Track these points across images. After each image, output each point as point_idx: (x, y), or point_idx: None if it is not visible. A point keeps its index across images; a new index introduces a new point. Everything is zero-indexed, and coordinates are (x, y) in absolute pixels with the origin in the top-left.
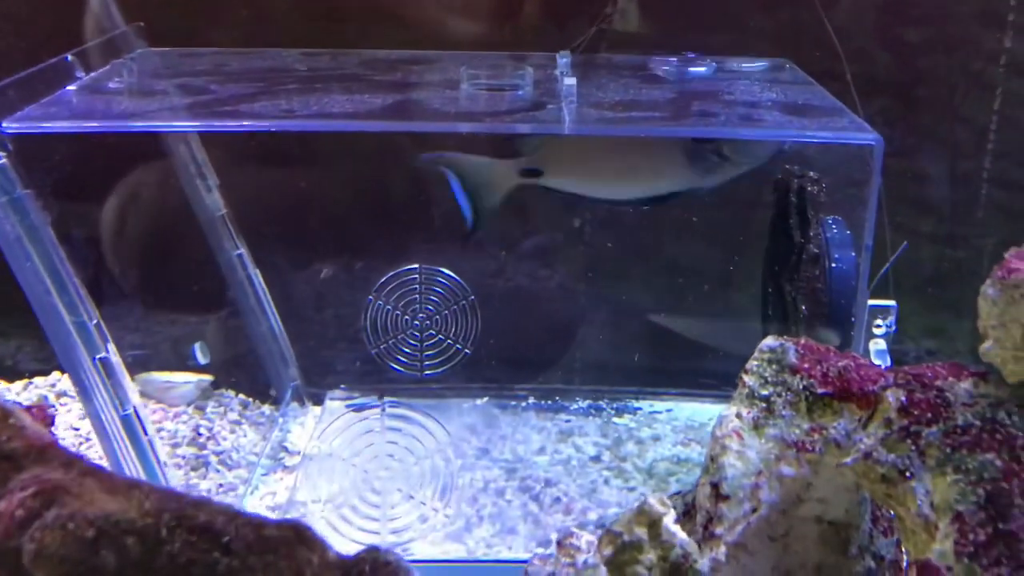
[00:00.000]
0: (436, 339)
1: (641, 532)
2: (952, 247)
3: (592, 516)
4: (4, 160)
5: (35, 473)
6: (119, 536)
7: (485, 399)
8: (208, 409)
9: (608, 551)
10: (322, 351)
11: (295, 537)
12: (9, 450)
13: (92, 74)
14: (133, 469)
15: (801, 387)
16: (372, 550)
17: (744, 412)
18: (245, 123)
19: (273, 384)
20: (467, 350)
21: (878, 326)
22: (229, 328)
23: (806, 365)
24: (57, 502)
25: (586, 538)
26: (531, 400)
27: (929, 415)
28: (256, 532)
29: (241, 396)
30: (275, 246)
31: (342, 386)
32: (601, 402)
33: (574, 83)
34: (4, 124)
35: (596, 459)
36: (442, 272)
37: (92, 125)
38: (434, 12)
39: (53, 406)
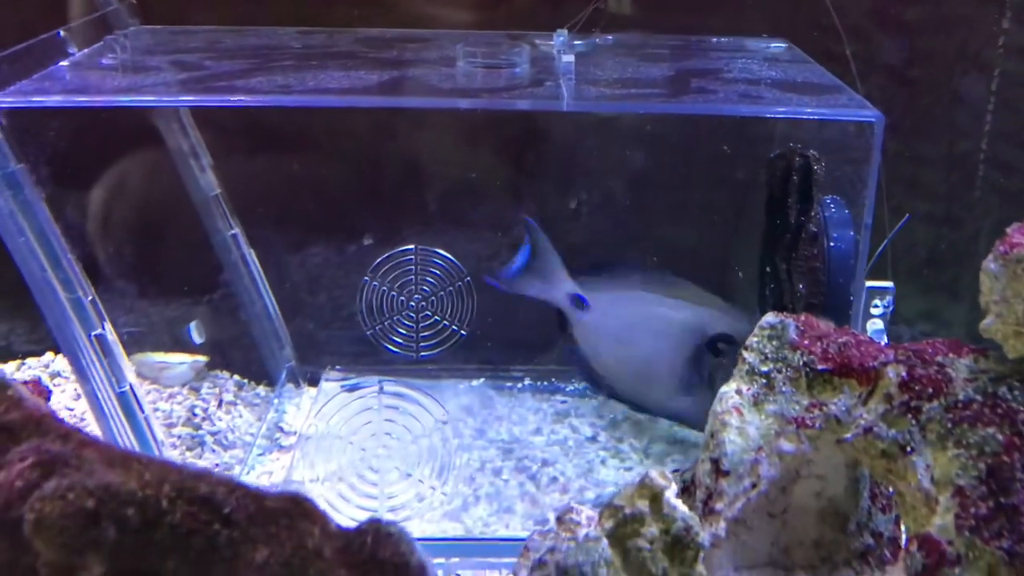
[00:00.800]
0: (432, 320)
1: (643, 505)
2: (948, 229)
3: (589, 495)
4: None
5: (33, 444)
6: (119, 507)
7: (481, 380)
8: (203, 389)
9: (610, 524)
10: (317, 332)
11: (296, 509)
12: (7, 422)
13: (85, 51)
14: (129, 447)
15: (801, 363)
16: (374, 522)
17: (744, 388)
18: (243, 98)
19: (268, 365)
20: (463, 331)
21: (876, 307)
22: (223, 309)
23: (806, 341)
24: (56, 473)
25: (586, 513)
26: (527, 381)
27: (930, 390)
28: (257, 504)
29: (236, 377)
30: (269, 226)
31: (337, 367)
32: None
33: (572, 60)
34: None
35: (592, 439)
36: (438, 253)
37: (86, 100)
38: None
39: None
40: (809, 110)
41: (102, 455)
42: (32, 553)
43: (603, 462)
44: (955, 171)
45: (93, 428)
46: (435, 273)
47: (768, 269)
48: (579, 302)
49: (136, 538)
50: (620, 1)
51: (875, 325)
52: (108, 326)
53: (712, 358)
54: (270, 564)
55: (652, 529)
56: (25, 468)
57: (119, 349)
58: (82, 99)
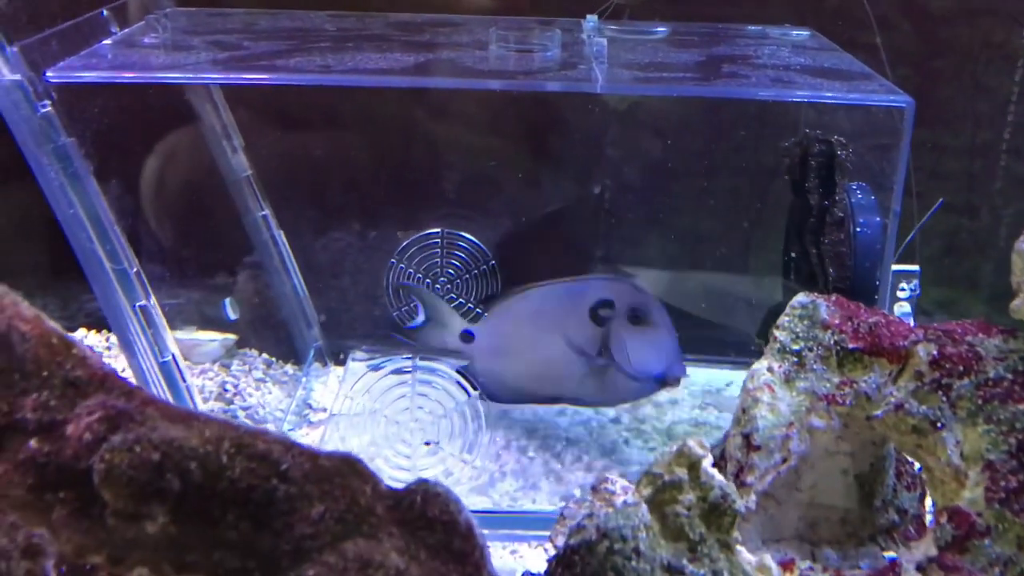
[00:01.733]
0: (456, 303)
1: (681, 473)
2: (968, 218)
3: (613, 475)
4: (49, 108)
5: (100, 399)
6: (183, 460)
7: None
8: (233, 367)
9: (648, 491)
10: (344, 312)
11: (349, 469)
12: (74, 377)
13: (126, 30)
14: None
15: (832, 342)
16: (423, 482)
17: (776, 366)
18: (287, 76)
19: (296, 344)
20: (487, 314)
21: (903, 290)
22: (252, 289)
23: (837, 321)
24: (122, 427)
25: (621, 483)
26: None
27: (960, 368)
28: (312, 462)
29: (264, 355)
30: (299, 208)
31: (363, 347)
32: None
33: (604, 43)
34: (48, 73)
35: (616, 421)
36: (463, 237)
37: (133, 76)
38: None
39: None
40: (840, 95)
41: (164, 412)
42: (100, 503)
43: (626, 442)
44: (977, 160)
45: None
46: (460, 256)
47: (793, 254)
48: (466, 336)
49: (198, 491)
50: None
51: (902, 308)
52: (152, 299)
53: (596, 327)
54: (325, 519)
55: (690, 496)
56: (93, 421)
57: (162, 320)
58: (128, 75)
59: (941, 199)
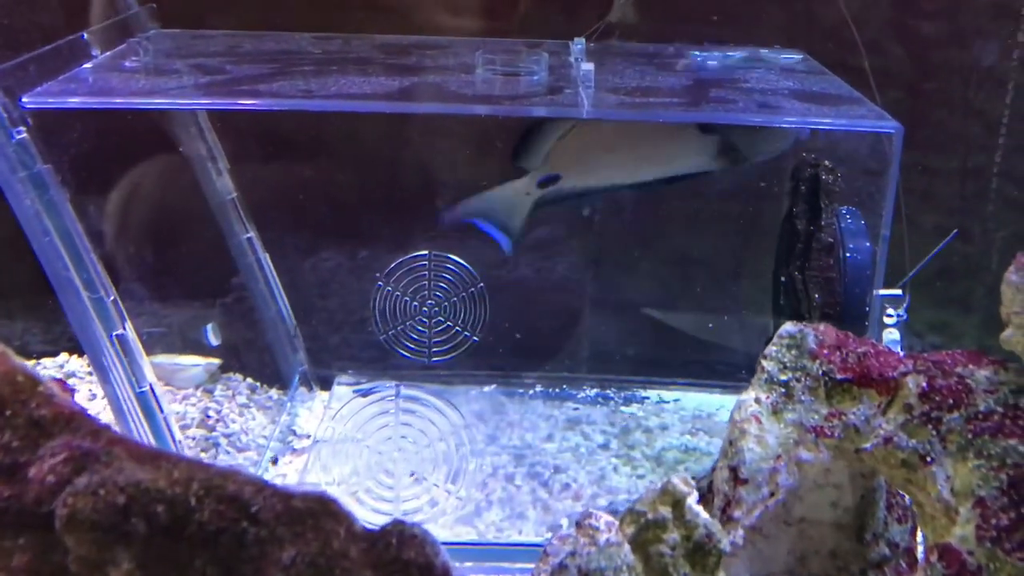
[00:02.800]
0: (444, 326)
1: (665, 511)
2: (961, 241)
3: (602, 503)
4: (24, 135)
5: (65, 440)
6: (149, 503)
7: (492, 386)
8: (216, 392)
9: (631, 530)
10: (330, 336)
11: (322, 509)
12: (39, 416)
13: (107, 53)
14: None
15: (820, 372)
16: (398, 523)
17: (763, 397)
18: (267, 101)
19: (281, 368)
20: (475, 337)
21: (889, 315)
22: (237, 312)
23: (825, 351)
24: (88, 469)
25: (605, 519)
26: (538, 388)
27: (950, 401)
28: (284, 503)
29: (249, 380)
30: (284, 231)
31: (349, 371)
32: (608, 391)
33: (591, 68)
34: (24, 99)
35: (604, 447)
36: (451, 259)
37: (112, 101)
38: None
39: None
40: (829, 121)
41: (131, 452)
42: (62, 548)
43: (615, 469)
44: (968, 183)
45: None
46: (448, 279)
47: (783, 279)
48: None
49: (165, 535)
50: (625, 11)
51: (891, 335)
52: (129, 327)
53: None
54: (296, 563)
55: (674, 535)
56: (57, 464)
57: (139, 349)
58: (107, 101)
59: (955, 230)
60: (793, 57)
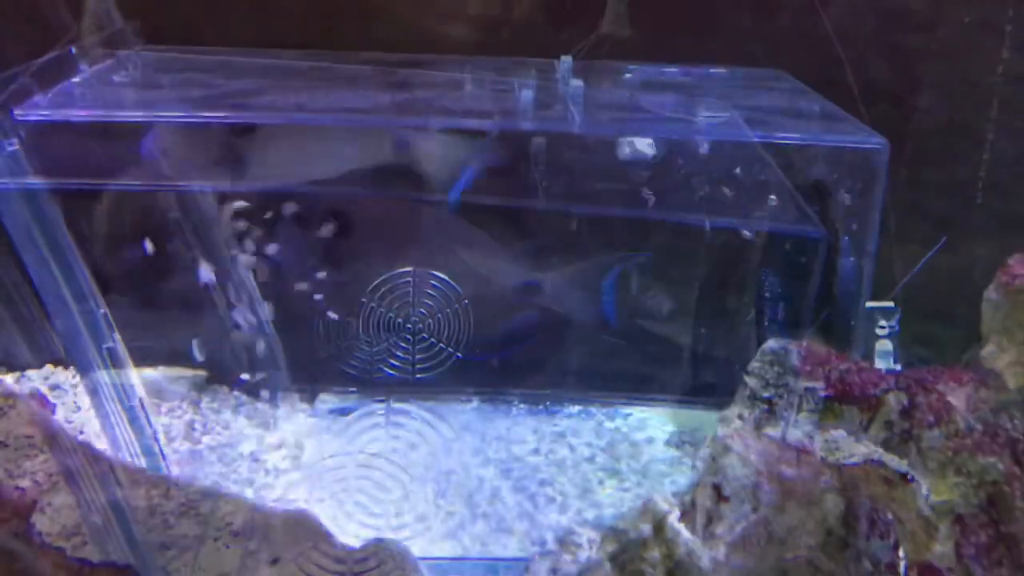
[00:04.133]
0: (428, 342)
1: (646, 529)
2: (947, 254)
3: (588, 516)
4: (16, 147)
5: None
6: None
7: (475, 403)
8: (203, 404)
9: (612, 548)
10: (315, 352)
11: (301, 526)
12: (17, 435)
13: (96, 67)
14: (137, 460)
15: (803, 389)
16: (378, 542)
17: (746, 413)
18: (259, 115)
19: (266, 384)
20: (459, 353)
21: (882, 327)
22: (222, 326)
23: (808, 368)
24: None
25: (587, 535)
26: (522, 405)
27: (931, 418)
28: (264, 520)
29: (235, 394)
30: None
31: (334, 387)
32: (592, 407)
33: (581, 85)
34: (16, 111)
35: (591, 460)
36: (435, 276)
37: (101, 114)
38: (432, 15)
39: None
40: (813, 138)
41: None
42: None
43: (601, 483)
44: (954, 197)
45: (94, 439)
46: (432, 296)
47: (767, 294)
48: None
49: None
50: (616, 27)
51: (884, 346)
52: (118, 339)
53: None
54: None
55: (655, 553)
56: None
57: (129, 363)
58: (101, 113)
59: (944, 238)
60: (777, 75)
